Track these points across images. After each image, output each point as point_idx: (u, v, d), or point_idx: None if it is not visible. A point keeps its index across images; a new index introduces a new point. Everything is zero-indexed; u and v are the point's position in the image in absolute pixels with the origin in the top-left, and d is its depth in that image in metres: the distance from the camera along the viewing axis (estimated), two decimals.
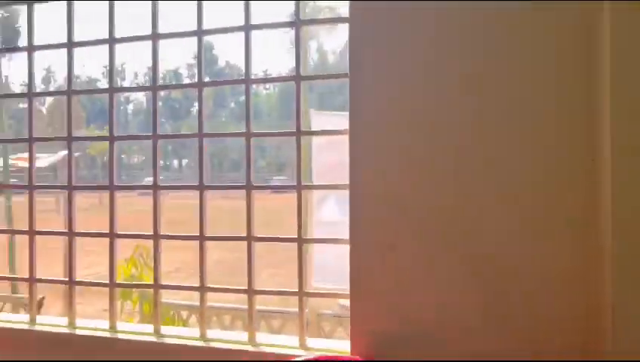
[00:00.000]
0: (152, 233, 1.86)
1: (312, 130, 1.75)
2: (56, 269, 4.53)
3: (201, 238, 1.80)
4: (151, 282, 1.88)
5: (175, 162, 31.28)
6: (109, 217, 1.90)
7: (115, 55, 1.88)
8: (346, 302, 1.61)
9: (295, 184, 1.71)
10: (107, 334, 1.84)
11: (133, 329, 1.89)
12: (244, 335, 1.75)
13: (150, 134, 1.85)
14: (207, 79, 1.86)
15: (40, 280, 2.00)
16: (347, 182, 1.58)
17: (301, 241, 1.69)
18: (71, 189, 1.94)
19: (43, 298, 3.74)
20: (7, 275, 3.23)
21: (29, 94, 1.99)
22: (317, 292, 1.75)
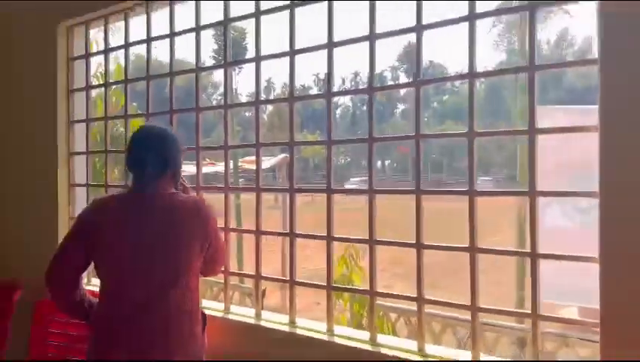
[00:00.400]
0: (367, 238, 1.82)
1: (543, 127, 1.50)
2: (270, 261, 4.90)
3: (418, 246, 1.70)
4: (361, 283, 1.85)
5: (378, 163, 32.22)
6: (327, 220, 1.91)
7: (334, 59, 1.89)
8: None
9: (527, 190, 1.50)
10: (325, 337, 1.85)
11: (350, 334, 1.87)
12: (466, 355, 1.60)
13: (366, 137, 1.82)
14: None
15: (265, 278, 2.12)
16: (590, 188, 1.34)
17: (535, 256, 1.47)
18: (292, 192, 2.00)
19: (265, 289, 4.06)
20: (236, 271, 3.56)
21: (256, 102, 2.11)
22: (557, 316, 1.51)
